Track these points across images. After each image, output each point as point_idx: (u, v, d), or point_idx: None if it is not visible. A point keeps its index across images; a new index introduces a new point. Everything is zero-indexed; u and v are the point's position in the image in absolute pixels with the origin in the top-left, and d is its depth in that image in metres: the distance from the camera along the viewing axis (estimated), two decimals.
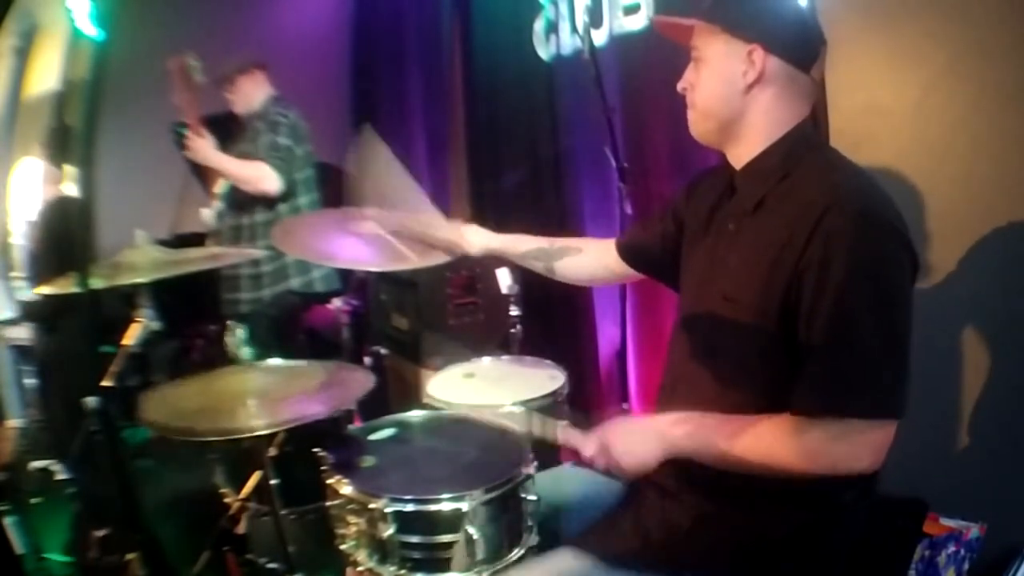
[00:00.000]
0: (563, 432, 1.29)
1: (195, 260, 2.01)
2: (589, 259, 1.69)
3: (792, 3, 1.24)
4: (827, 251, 1.08)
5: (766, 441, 1.13)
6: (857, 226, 1.08)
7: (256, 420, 1.51)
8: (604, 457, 1.20)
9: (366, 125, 1.73)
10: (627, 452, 1.18)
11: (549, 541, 1.46)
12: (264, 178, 2.74)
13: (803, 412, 1.11)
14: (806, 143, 1.25)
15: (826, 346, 1.09)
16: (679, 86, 1.31)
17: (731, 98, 1.23)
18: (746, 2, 1.26)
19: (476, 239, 1.69)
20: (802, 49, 1.22)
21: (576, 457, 1.30)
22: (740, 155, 1.28)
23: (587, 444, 1.23)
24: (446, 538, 1.38)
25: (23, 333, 3.05)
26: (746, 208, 1.26)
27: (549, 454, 1.88)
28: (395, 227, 1.68)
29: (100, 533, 2.05)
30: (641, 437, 1.21)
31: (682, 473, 1.21)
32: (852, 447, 1.09)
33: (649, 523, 1.29)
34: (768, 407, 1.17)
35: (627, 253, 1.62)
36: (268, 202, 2.83)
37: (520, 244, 1.71)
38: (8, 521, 2.11)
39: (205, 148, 2.79)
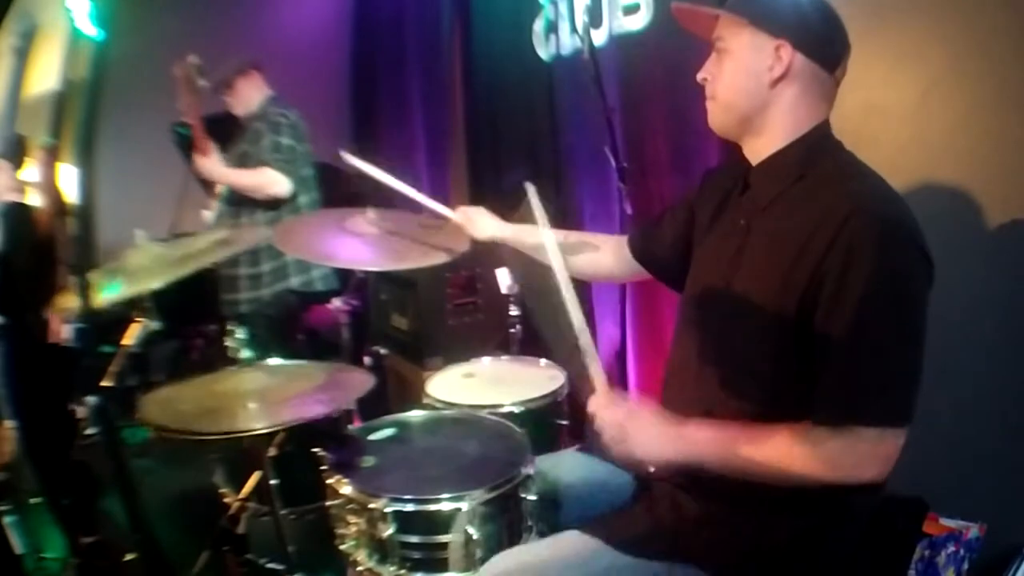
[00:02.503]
0: (594, 368, 1.26)
1: (200, 252, 2.00)
2: (605, 256, 1.67)
3: (820, 2, 1.23)
4: (848, 258, 1.08)
5: (780, 452, 1.12)
6: (879, 234, 1.08)
7: (256, 420, 1.51)
8: (613, 433, 1.18)
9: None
10: (642, 445, 1.18)
11: (549, 526, 1.46)
12: (272, 183, 2.76)
13: (819, 422, 1.10)
14: (825, 145, 1.24)
15: (843, 354, 1.09)
16: (699, 76, 1.30)
17: (755, 92, 1.22)
18: None
19: (485, 225, 1.68)
20: (828, 49, 1.21)
21: (578, 443, 1.29)
22: (758, 150, 1.27)
23: (606, 409, 1.20)
24: (446, 538, 1.38)
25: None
26: (759, 205, 1.25)
27: (550, 442, 1.88)
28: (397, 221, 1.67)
29: (88, 540, 2.05)
30: (659, 435, 1.19)
31: (693, 473, 1.21)
32: (864, 456, 1.09)
33: (660, 511, 1.29)
34: (775, 408, 1.17)
35: (637, 250, 1.60)
36: (268, 202, 2.83)
37: (532, 235, 1.67)
38: (8, 521, 2.11)
39: (213, 166, 2.81)
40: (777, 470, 1.12)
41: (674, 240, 1.50)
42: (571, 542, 1.27)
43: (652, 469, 1.24)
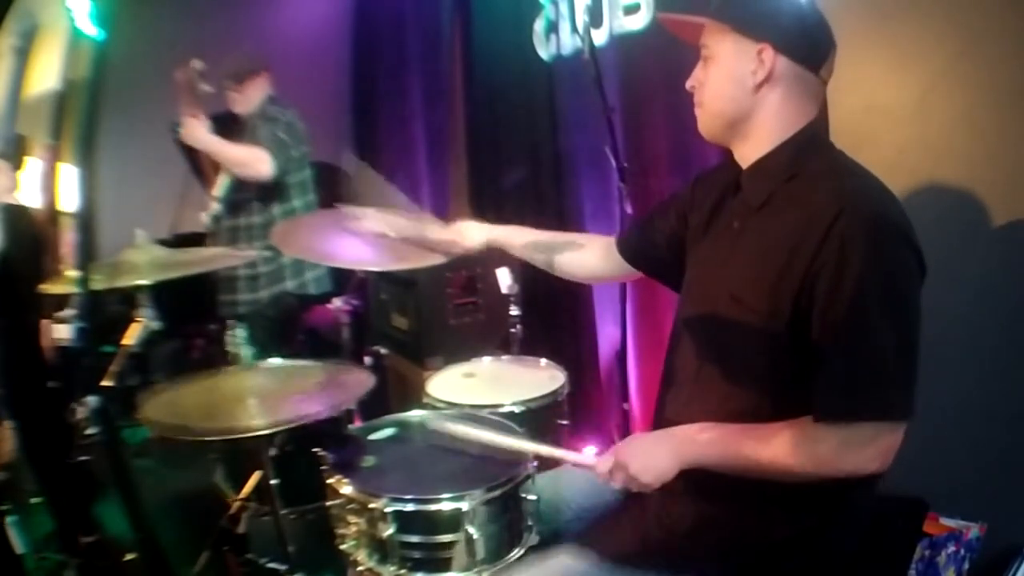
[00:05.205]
0: (575, 456, 1.31)
1: (196, 262, 2.02)
2: (591, 256, 1.68)
3: (802, 3, 1.23)
4: (840, 255, 1.08)
5: (782, 449, 1.13)
6: (870, 231, 1.08)
7: (256, 420, 1.51)
8: (621, 476, 1.20)
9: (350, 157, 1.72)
10: (644, 469, 1.19)
11: (549, 541, 1.45)
12: (258, 160, 2.71)
13: (820, 418, 1.11)
14: (814, 144, 1.25)
15: (840, 351, 1.09)
16: (688, 84, 1.31)
17: (740, 97, 1.23)
18: (756, 1, 1.25)
19: (474, 233, 1.69)
20: (812, 49, 1.21)
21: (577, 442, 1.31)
22: (747, 154, 1.28)
23: (602, 465, 1.23)
24: (446, 538, 1.38)
25: None
26: (751, 206, 1.26)
27: (550, 440, 1.88)
28: (394, 228, 1.68)
29: (88, 539, 2.05)
30: (656, 452, 1.21)
31: (686, 474, 1.22)
32: (865, 451, 1.10)
33: (650, 523, 1.29)
34: (774, 407, 1.17)
35: (628, 252, 1.61)
36: (264, 204, 2.83)
37: (520, 236, 1.71)
38: (8, 521, 2.11)
39: (199, 131, 2.76)
40: (778, 467, 1.13)
41: (667, 239, 1.51)
42: (562, 564, 1.27)
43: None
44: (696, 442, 1.20)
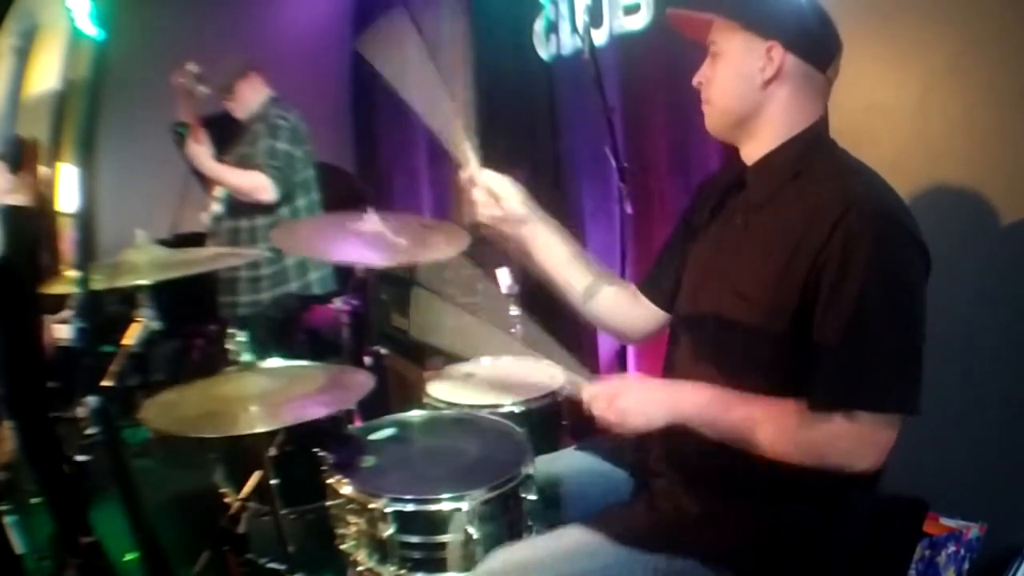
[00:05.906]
0: (568, 376, 1.31)
1: (196, 262, 2.01)
2: (633, 299, 1.53)
3: (810, 2, 1.24)
4: (844, 253, 1.09)
5: (774, 429, 1.13)
6: (874, 228, 1.09)
7: (257, 425, 1.51)
8: (607, 406, 1.20)
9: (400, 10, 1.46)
10: (633, 408, 1.19)
11: (549, 526, 1.45)
12: (260, 188, 2.74)
13: (815, 406, 1.11)
14: (819, 143, 1.25)
15: (840, 343, 1.09)
16: (695, 80, 1.31)
17: (747, 94, 1.23)
18: None
19: (516, 206, 1.51)
20: (820, 48, 1.22)
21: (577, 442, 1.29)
22: (753, 151, 1.28)
23: (590, 387, 1.23)
24: (446, 538, 1.38)
25: None
26: (755, 203, 1.26)
27: (550, 440, 1.88)
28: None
29: (87, 539, 2.04)
30: (651, 398, 1.21)
31: (693, 468, 1.22)
32: (857, 443, 1.10)
33: (661, 507, 1.29)
34: None
35: (654, 293, 1.50)
36: (265, 205, 2.83)
37: (564, 247, 1.48)
38: (8, 521, 2.11)
39: (203, 157, 2.79)
40: (766, 445, 1.13)
41: (681, 264, 1.44)
42: (571, 537, 1.27)
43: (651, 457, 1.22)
44: (693, 401, 1.20)
